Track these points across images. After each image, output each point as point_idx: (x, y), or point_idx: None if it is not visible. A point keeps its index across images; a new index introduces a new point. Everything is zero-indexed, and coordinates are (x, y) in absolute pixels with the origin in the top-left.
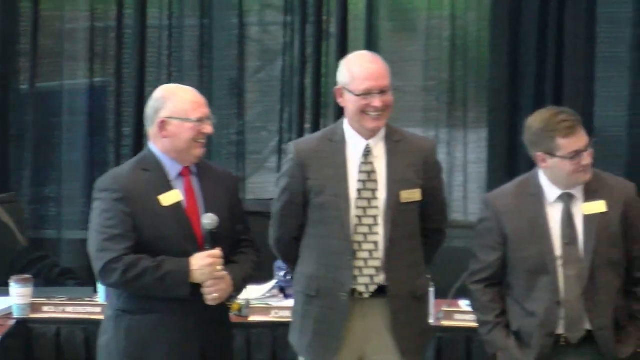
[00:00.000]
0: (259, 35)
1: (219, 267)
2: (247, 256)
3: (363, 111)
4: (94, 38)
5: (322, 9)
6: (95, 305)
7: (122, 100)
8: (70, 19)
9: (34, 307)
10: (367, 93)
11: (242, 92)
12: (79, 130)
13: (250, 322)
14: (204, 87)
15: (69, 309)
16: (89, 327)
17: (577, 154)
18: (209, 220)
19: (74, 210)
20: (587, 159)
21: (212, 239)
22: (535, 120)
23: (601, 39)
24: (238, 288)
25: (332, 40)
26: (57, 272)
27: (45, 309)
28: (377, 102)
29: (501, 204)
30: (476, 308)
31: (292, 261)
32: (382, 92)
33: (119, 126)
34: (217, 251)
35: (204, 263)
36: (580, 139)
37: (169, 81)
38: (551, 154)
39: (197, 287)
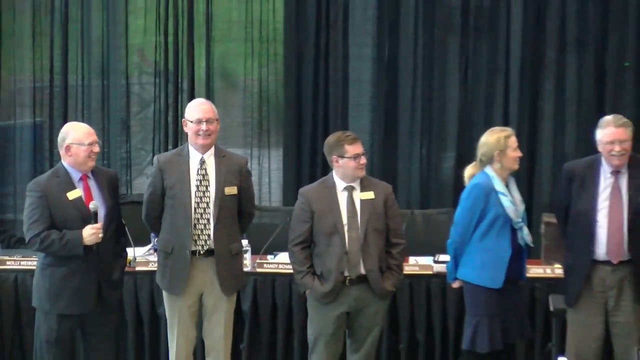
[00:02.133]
0: (139, 90)
1: (100, 235)
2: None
3: (196, 133)
4: (35, 93)
5: (177, 74)
6: (36, 261)
7: (53, 133)
8: (19, 80)
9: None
10: (198, 121)
11: (128, 126)
12: (27, 150)
13: (136, 270)
14: (105, 124)
15: (23, 262)
16: (33, 275)
17: (357, 156)
18: (92, 205)
19: (23, 202)
20: (364, 159)
21: (95, 218)
22: (330, 138)
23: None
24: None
25: (185, 93)
26: (14, 240)
27: (8, 263)
28: (204, 126)
29: (310, 194)
30: (294, 262)
31: (156, 231)
32: (208, 121)
33: (51, 149)
34: (98, 224)
35: (90, 232)
36: (359, 147)
37: (83, 121)
38: (342, 156)
39: (89, 248)
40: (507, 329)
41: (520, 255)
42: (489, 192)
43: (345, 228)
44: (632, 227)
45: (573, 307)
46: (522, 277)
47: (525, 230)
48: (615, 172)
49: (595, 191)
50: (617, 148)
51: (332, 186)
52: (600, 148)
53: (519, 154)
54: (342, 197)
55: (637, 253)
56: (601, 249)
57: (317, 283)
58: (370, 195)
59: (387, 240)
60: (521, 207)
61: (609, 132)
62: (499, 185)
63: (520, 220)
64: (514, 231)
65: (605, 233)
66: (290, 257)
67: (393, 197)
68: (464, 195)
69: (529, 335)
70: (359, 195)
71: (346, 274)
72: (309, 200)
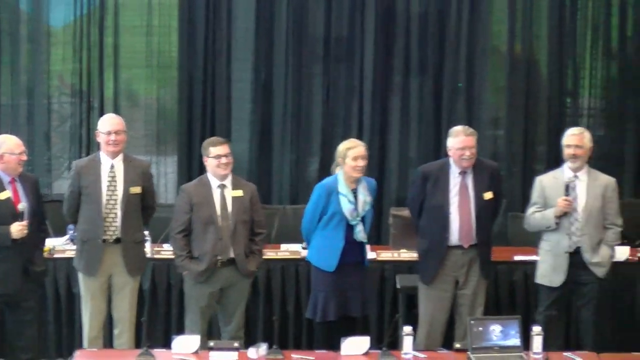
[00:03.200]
0: (58, 108)
1: (25, 231)
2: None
3: (107, 142)
4: None
5: (90, 94)
6: None
7: None
8: None
9: None
10: (108, 133)
11: (49, 138)
12: None
13: (55, 257)
14: (30, 136)
15: None
16: None
17: (219, 156)
18: (21, 206)
19: None
20: (225, 160)
21: (22, 216)
22: (205, 142)
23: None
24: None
25: (96, 111)
26: None
27: None
28: (113, 137)
29: (190, 189)
30: (175, 247)
31: (75, 222)
32: (117, 132)
33: None
34: (25, 222)
35: (17, 228)
36: (223, 149)
37: (12, 134)
38: (208, 156)
39: (15, 240)
40: (346, 304)
41: (360, 245)
42: (331, 192)
43: (219, 219)
44: (478, 217)
45: (429, 284)
46: (363, 262)
47: (359, 228)
48: (463, 173)
49: (447, 188)
50: (467, 153)
51: (208, 183)
52: (451, 153)
53: (358, 164)
54: (216, 193)
55: (483, 238)
56: (454, 236)
57: (194, 264)
58: (239, 193)
59: (251, 230)
60: (365, 207)
61: (460, 140)
62: (342, 187)
63: (357, 219)
64: (351, 226)
65: (457, 223)
66: (172, 243)
67: (257, 195)
68: (313, 191)
69: (372, 311)
70: (230, 193)
71: (219, 257)
72: (189, 194)
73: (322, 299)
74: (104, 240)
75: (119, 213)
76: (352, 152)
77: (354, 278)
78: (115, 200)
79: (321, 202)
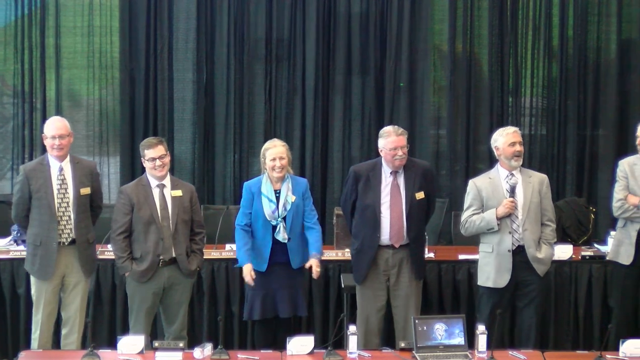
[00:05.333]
0: (0, 109)
1: None
2: None
3: (52, 147)
4: None
5: (32, 95)
6: None
7: None
8: None
9: None
10: (53, 137)
11: None
12: None
13: None
14: None
15: None
16: None
17: (152, 159)
18: None
19: None
20: (159, 162)
21: None
22: (141, 144)
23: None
24: None
25: (38, 112)
26: None
27: None
28: (57, 141)
29: (129, 190)
30: (116, 249)
31: (24, 227)
32: (60, 137)
33: None
34: None
35: None
36: (156, 152)
37: None
38: (144, 158)
39: None
40: (274, 305)
41: (285, 245)
42: (254, 192)
43: (160, 219)
44: (409, 217)
45: (361, 284)
46: (290, 263)
47: (280, 228)
48: (394, 173)
49: (379, 188)
50: (399, 153)
51: (147, 184)
52: (383, 153)
53: (276, 164)
54: (156, 193)
55: (414, 238)
56: (385, 235)
57: (135, 265)
58: (178, 193)
59: (191, 229)
60: (287, 207)
61: (392, 140)
62: (264, 188)
63: (278, 219)
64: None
65: (388, 222)
66: (113, 245)
67: (196, 195)
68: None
69: (303, 312)
70: (169, 193)
71: (161, 256)
72: (128, 195)
73: (250, 298)
74: (59, 243)
75: (72, 215)
76: (270, 152)
77: (283, 279)
78: (67, 202)
79: (248, 201)
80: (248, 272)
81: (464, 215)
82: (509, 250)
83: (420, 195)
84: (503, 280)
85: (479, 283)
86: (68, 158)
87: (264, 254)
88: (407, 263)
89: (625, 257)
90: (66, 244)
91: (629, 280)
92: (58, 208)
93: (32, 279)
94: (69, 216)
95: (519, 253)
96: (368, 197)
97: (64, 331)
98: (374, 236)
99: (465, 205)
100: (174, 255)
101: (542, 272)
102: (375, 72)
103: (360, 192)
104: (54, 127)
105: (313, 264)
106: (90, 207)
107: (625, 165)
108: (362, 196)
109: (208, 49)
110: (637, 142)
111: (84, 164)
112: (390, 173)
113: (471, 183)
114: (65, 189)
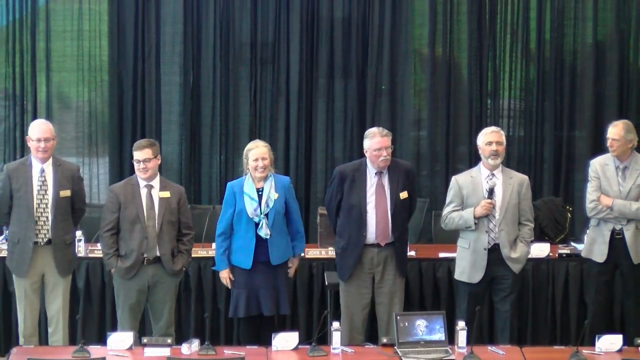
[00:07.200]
0: None
1: None
2: None
3: (36, 149)
4: None
5: (23, 98)
6: None
7: None
8: None
9: None
10: (37, 140)
11: None
12: None
13: None
14: None
15: None
16: None
17: (138, 162)
18: None
19: None
20: (144, 165)
21: None
22: (134, 145)
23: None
24: None
25: (29, 114)
26: None
27: None
28: (42, 144)
29: (117, 189)
30: (103, 245)
31: (7, 224)
32: (45, 140)
33: None
34: None
35: None
36: (143, 154)
37: None
38: (132, 159)
39: None
40: (258, 303)
41: (266, 243)
42: (237, 191)
43: (146, 218)
44: (394, 216)
45: (346, 281)
46: (270, 261)
47: (262, 224)
48: (379, 173)
49: (364, 188)
50: (384, 153)
51: (136, 184)
52: (368, 154)
53: (258, 164)
54: (143, 193)
55: (398, 236)
56: (371, 234)
57: (120, 262)
58: (166, 194)
59: (179, 231)
60: (269, 204)
61: (377, 141)
62: (247, 187)
63: (260, 216)
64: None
65: (374, 221)
66: (101, 241)
67: (185, 197)
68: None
69: (286, 310)
70: (157, 193)
71: (145, 255)
72: (116, 194)
73: (235, 296)
74: (36, 242)
75: (50, 216)
76: (252, 153)
77: (266, 276)
78: (46, 203)
79: (230, 201)
80: (225, 277)
81: (445, 211)
82: (485, 249)
83: (404, 194)
84: (477, 276)
85: (455, 276)
86: (51, 160)
87: (249, 251)
88: (391, 261)
89: (599, 256)
90: (42, 243)
91: (602, 277)
92: (37, 209)
93: (13, 276)
94: (47, 217)
95: (494, 251)
96: (354, 197)
97: (49, 329)
98: (360, 235)
99: (447, 201)
100: (158, 254)
101: (517, 269)
102: (358, 75)
103: (346, 192)
104: (39, 130)
105: (294, 263)
106: (73, 209)
107: (596, 165)
108: (348, 196)
109: (194, 52)
110: (607, 144)
111: (65, 167)
112: (375, 173)
113: (453, 180)
114: (45, 190)
